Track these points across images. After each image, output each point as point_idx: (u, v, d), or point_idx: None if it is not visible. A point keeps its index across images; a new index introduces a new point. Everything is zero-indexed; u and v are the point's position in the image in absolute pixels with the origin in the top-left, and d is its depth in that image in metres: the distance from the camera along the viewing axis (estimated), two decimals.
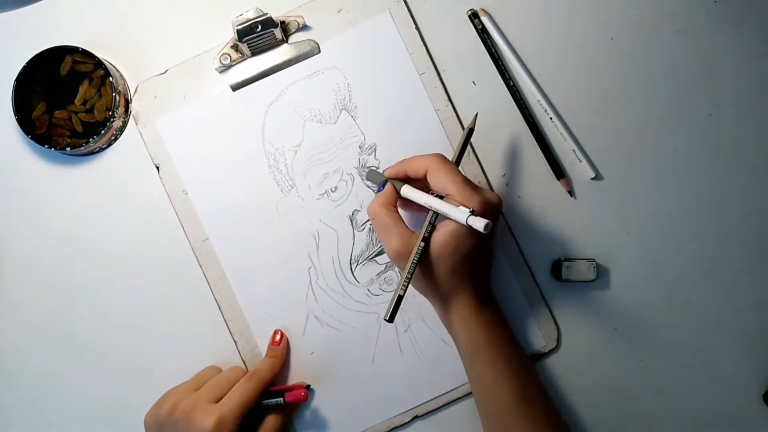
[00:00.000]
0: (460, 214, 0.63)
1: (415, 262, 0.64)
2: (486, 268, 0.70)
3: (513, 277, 0.74)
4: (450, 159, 0.68)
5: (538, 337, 0.74)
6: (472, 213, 0.62)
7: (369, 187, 0.74)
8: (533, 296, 0.74)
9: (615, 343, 0.75)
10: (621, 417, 0.75)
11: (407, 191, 0.67)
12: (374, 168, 0.74)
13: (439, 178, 0.65)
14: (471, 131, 0.70)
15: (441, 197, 0.65)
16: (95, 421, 0.74)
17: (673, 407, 0.74)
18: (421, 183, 0.68)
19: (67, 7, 0.75)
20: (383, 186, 0.68)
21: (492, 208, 0.65)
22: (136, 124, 0.74)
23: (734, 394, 0.75)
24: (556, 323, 0.74)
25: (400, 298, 0.63)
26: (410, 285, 0.64)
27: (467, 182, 0.65)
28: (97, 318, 0.74)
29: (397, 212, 0.67)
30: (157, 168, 0.74)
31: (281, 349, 0.73)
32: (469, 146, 0.74)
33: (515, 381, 0.67)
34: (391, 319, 0.63)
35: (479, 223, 0.62)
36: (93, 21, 0.75)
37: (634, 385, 0.75)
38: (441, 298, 0.68)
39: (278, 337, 0.73)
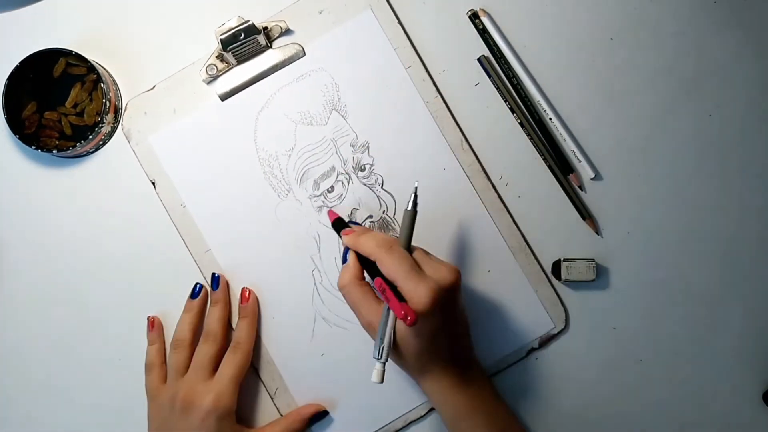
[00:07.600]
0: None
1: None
2: (460, 338, 0.68)
3: (516, 263, 0.74)
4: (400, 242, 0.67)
5: (547, 320, 0.74)
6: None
7: (365, 185, 0.74)
8: (538, 280, 0.74)
9: (615, 343, 0.75)
10: (620, 416, 0.75)
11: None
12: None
13: (386, 269, 0.64)
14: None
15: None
16: (95, 424, 0.74)
17: (673, 407, 0.75)
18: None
19: (66, 9, 0.74)
20: (345, 255, 0.68)
21: (443, 290, 0.64)
22: (129, 141, 0.74)
23: (734, 394, 0.74)
24: (563, 304, 0.74)
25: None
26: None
27: (413, 271, 0.63)
28: (93, 329, 0.74)
29: (367, 284, 0.67)
30: (153, 184, 0.74)
31: (251, 306, 0.73)
32: (467, 143, 0.74)
33: None
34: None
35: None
36: (91, 25, 0.74)
37: (634, 385, 0.75)
38: (414, 375, 0.68)
39: (247, 293, 0.73)
